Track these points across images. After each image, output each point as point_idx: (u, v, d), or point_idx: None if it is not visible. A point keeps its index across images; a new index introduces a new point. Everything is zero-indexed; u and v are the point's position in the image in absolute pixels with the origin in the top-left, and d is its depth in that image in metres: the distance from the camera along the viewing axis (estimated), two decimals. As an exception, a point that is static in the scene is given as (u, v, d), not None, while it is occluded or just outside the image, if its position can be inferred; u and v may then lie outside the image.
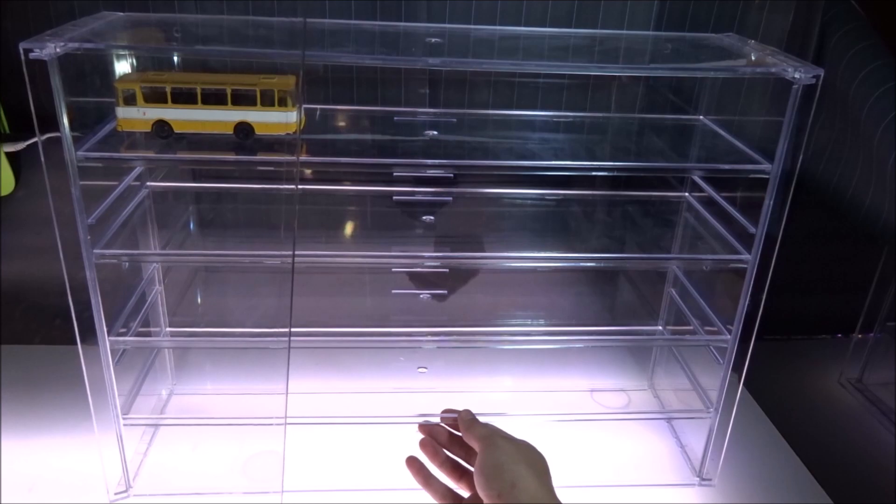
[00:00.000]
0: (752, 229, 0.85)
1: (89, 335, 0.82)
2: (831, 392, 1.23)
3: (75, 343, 0.81)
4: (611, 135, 1.08)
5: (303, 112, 0.86)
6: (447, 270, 0.93)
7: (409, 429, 0.75)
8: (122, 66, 0.87)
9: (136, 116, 0.82)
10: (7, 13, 1.00)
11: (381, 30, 1.00)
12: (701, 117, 1.04)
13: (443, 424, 0.79)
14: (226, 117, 0.83)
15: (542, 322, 1.25)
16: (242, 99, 0.82)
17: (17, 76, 0.68)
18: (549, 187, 1.11)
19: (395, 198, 0.98)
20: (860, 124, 1.04)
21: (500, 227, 1.18)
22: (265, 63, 0.90)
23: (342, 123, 1.05)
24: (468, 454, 0.76)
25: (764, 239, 0.84)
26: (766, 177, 0.82)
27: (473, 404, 0.78)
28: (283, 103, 0.83)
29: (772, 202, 0.82)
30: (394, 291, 1.02)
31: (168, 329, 1.09)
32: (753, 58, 0.87)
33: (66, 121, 0.72)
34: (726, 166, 0.88)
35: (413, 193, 0.97)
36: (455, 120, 1.05)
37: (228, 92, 0.82)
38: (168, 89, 0.81)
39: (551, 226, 1.19)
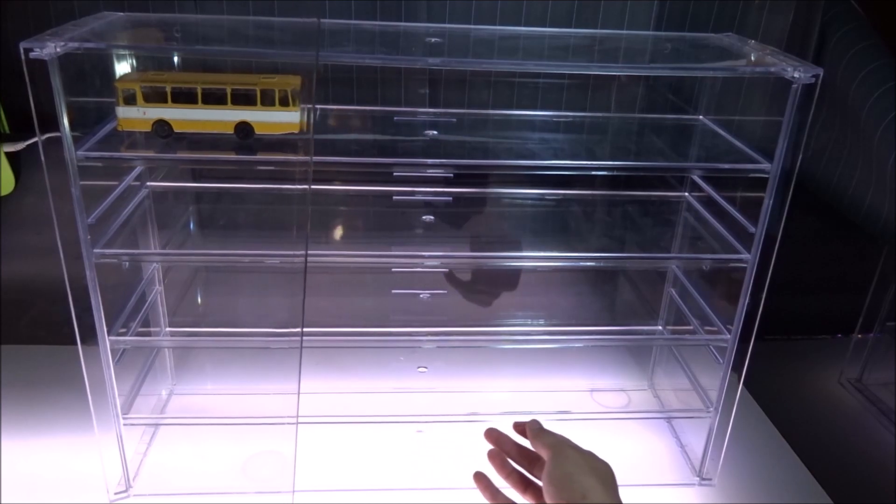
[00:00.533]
0: (751, 229, 0.85)
1: (89, 335, 0.82)
2: (831, 392, 1.23)
3: (75, 343, 0.81)
4: (611, 134, 1.08)
5: (316, 112, 0.86)
6: (447, 270, 0.93)
7: (408, 429, 0.76)
8: (123, 66, 0.87)
9: (137, 116, 0.82)
10: (7, 13, 1.00)
11: (381, 30, 1.00)
12: (701, 117, 1.04)
13: (502, 432, 0.77)
14: (226, 117, 0.83)
15: (541, 322, 1.25)
16: (242, 99, 0.82)
17: (17, 76, 0.68)
18: (549, 187, 1.11)
19: (394, 197, 0.98)
20: (860, 124, 1.04)
21: (500, 227, 1.18)
22: (265, 63, 0.90)
23: (342, 123, 1.05)
24: (531, 465, 0.74)
25: (764, 238, 0.84)
26: (766, 176, 0.82)
27: (473, 404, 0.78)
28: (283, 103, 0.83)
29: (771, 202, 0.82)
30: (394, 291, 1.02)
31: (168, 329, 1.09)
32: (753, 57, 0.87)
33: (66, 121, 0.72)
34: (726, 166, 0.88)
35: (413, 193, 0.97)
36: (455, 120, 1.05)
37: (228, 92, 0.82)
38: (168, 89, 0.81)
39: (551, 226, 1.19)
